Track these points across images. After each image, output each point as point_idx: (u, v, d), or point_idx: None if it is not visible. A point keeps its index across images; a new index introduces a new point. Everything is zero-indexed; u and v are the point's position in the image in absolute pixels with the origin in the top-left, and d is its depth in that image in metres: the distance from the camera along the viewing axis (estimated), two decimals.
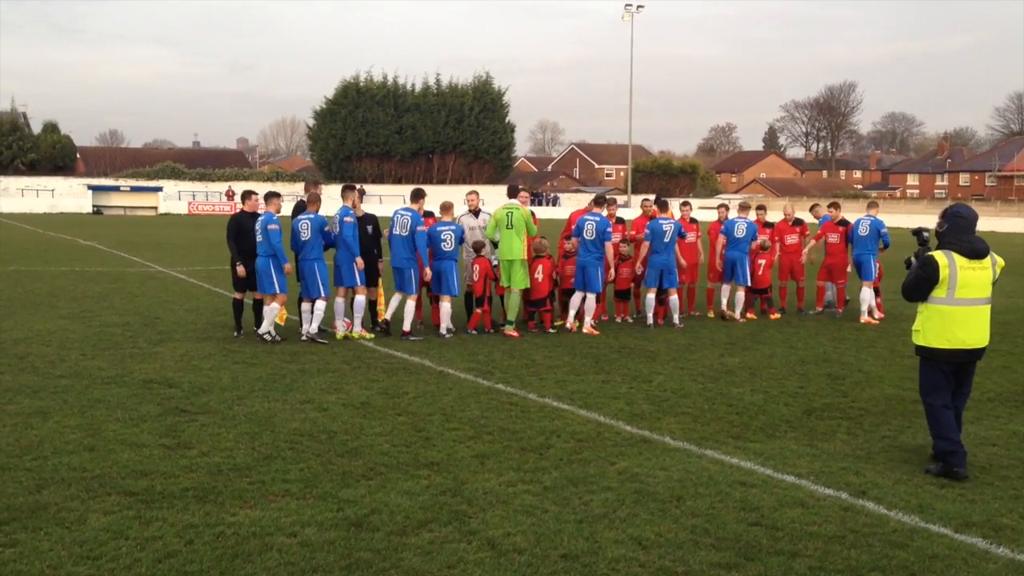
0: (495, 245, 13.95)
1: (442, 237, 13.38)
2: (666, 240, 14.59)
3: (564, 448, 7.83)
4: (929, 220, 72.23)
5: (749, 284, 15.72)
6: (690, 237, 15.82)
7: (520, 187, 14.86)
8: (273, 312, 12.64)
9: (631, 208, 56.11)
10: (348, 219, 12.91)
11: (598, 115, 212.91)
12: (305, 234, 12.77)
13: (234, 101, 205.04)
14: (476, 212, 14.53)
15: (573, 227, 14.51)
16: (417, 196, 13.68)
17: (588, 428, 8.50)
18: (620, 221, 15.96)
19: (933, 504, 6.61)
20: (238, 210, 13.55)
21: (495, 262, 13.93)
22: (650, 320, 14.77)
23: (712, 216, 17.40)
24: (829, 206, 17.04)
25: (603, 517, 6.22)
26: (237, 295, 13.34)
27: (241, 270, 13.03)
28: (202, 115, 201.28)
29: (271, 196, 12.94)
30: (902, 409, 9.52)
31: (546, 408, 9.25)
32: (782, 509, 6.44)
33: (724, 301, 15.86)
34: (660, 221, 14.73)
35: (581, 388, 10.19)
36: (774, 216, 17.90)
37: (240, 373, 10.66)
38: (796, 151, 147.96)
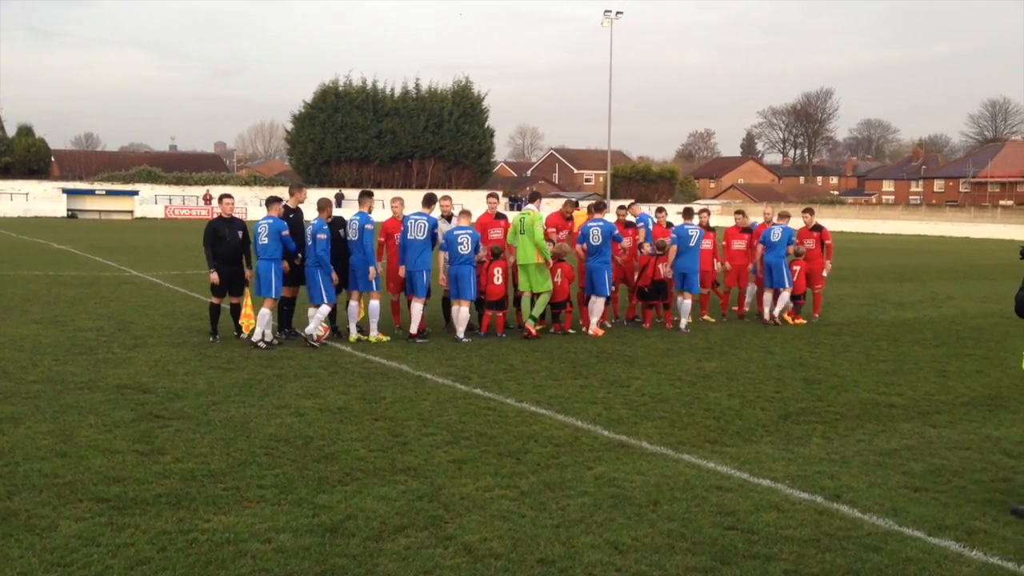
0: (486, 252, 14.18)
1: (459, 241, 13.48)
2: (691, 245, 14.93)
3: (541, 453, 7.82)
4: (906, 226, 72.31)
5: (787, 287, 15.92)
6: None
7: (539, 194, 15.34)
8: (265, 317, 12.58)
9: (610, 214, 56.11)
10: (368, 226, 13.27)
11: (578, 121, 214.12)
12: (309, 240, 12.87)
13: (212, 105, 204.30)
14: (449, 217, 14.57)
15: (578, 234, 14.67)
16: (430, 201, 13.98)
17: (565, 433, 8.50)
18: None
19: (907, 508, 6.65)
20: (215, 215, 13.56)
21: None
22: (683, 325, 15.00)
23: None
24: (804, 211, 17.53)
25: (580, 522, 6.22)
26: (214, 300, 13.25)
27: (214, 277, 12.99)
28: (179, 119, 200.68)
29: (273, 201, 13.03)
30: (877, 413, 9.58)
31: (523, 413, 9.24)
32: (758, 513, 6.46)
33: (768, 310, 15.95)
34: (686, 227, 15.12)
35: (559, 393, 10.19)
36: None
37: (215, 378, 10.58)
38: (774, 157, 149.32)
